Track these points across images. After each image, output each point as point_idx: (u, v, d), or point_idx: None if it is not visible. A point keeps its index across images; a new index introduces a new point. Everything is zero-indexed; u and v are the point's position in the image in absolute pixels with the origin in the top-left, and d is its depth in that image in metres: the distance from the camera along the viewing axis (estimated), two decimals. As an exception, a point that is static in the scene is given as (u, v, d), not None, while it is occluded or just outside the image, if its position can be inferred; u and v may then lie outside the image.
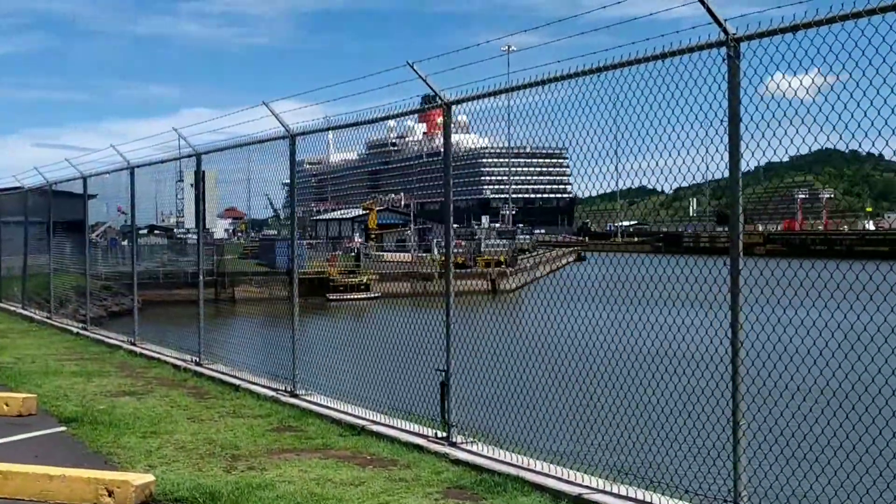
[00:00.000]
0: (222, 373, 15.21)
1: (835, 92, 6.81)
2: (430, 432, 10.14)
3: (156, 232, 74.41)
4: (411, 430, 10.41)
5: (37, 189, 26.93)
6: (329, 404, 12.23)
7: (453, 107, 10.31)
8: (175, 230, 75.08)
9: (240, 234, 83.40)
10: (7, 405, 11.77)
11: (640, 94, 8.19)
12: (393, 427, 10.68)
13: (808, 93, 6.98)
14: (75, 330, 22.26)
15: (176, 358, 17.09)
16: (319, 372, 13.71)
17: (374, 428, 10.73)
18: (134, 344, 19.17)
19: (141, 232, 69.58)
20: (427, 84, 10.18)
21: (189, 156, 17.29)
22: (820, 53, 6.82)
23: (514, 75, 9.53)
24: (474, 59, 9.80)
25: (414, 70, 10.10)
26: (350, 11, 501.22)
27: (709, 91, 7.54)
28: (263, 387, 13.77)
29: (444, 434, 9.91)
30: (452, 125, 10.48)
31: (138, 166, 19.68)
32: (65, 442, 10.67)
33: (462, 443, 9.72)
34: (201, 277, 16.63)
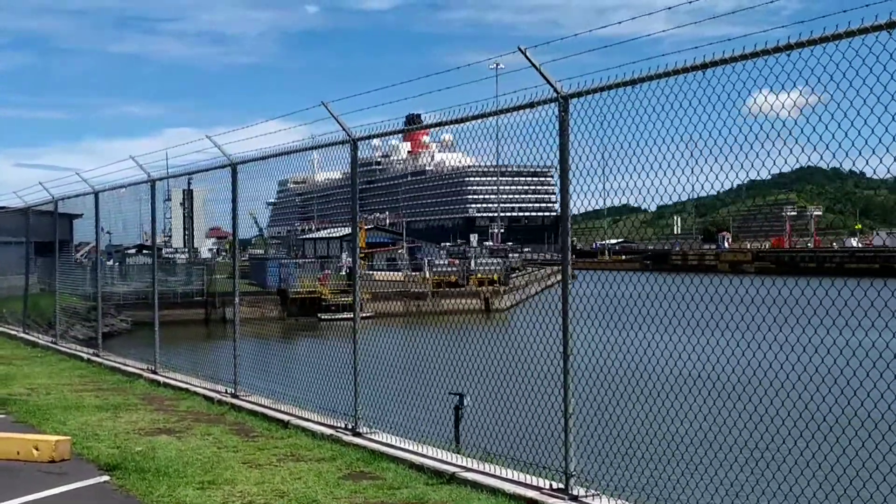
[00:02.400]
0: (265, 406, 13.77)
1: (816, 113, 6.94)
2: (544, 483, 8.73)
3: (144, 252, 72.85)
4: (518, 479, 8.98)
5: (17, 210, 26.06)
6: (402, 445, 10.82)
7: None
8: (164, 250, 73.69)
9: (224, 253, 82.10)
10: (37, 449, 10.29)
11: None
12: (493, 475, 9.25)
13: (790, 113, 7.09)
14: (85, 356, 20.75)
15: (207, 388, 15.62)
16: (380, 403, 12.30)
17: (468, 476, 9.31)
18: (155, 372, 17.68)
19: (129, 251, 68.03)
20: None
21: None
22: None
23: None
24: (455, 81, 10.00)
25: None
26: (332, 31, 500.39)
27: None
28: (317, 423, 12.34)
29: (562, 485, 8.50)
30: (436, 145, 10.25)
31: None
32: (113, 497, 9.19)
33: (585, 496, 8.32)
34: (237, 300, 15.16)
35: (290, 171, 14.56)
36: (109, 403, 14.71)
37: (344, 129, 12.06)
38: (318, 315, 59.58)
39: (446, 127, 10.75)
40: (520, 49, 8.69)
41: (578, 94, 8.56)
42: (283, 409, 13.44)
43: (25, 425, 12.89)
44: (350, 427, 11.75)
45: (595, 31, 8.74)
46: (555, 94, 8.67)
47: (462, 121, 10.23)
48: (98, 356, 20.49)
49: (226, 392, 14.96)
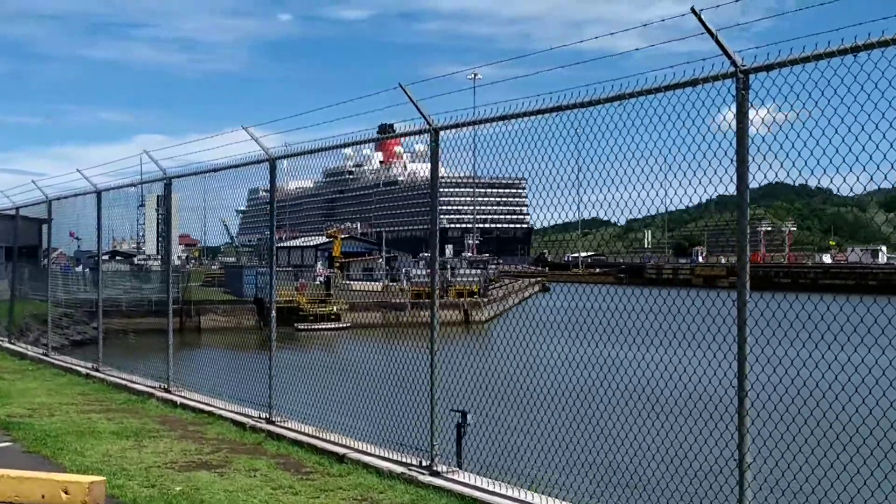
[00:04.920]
0: (310, 435, 12.07)
1: (783, 131, 7.01)
2: None
3: (117, 258, 70.80)
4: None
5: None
6: (498, 489, 9.20)
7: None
8: (136, 258, 71.80)
9: (193, 260, 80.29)
10: (66, 493, 8.54)
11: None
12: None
13: (757, 130, 7.10)
14: (84, 371, 18.90)
15: (233, 411, 13.89)
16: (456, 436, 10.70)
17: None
18: (168, 390, 15.91)
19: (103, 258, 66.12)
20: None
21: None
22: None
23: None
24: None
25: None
26: (305, 40, 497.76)
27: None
28: (380, 458, 10.68)
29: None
30: (407, 154, 9.71)
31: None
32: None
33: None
34: (273, 313, 13.45)
35: (259, 180, 14.63)
36: (126, 429, 12.96)
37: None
38: (295, 325, 57.95)
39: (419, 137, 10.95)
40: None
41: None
42: (331, 438, 11.77)
43: (38, 456, 11.13)
44: (425, 465, 10.11)
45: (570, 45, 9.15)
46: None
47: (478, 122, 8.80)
48: (98, 371, 18.65)
49: (259, 417, 13.25)
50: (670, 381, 8.31)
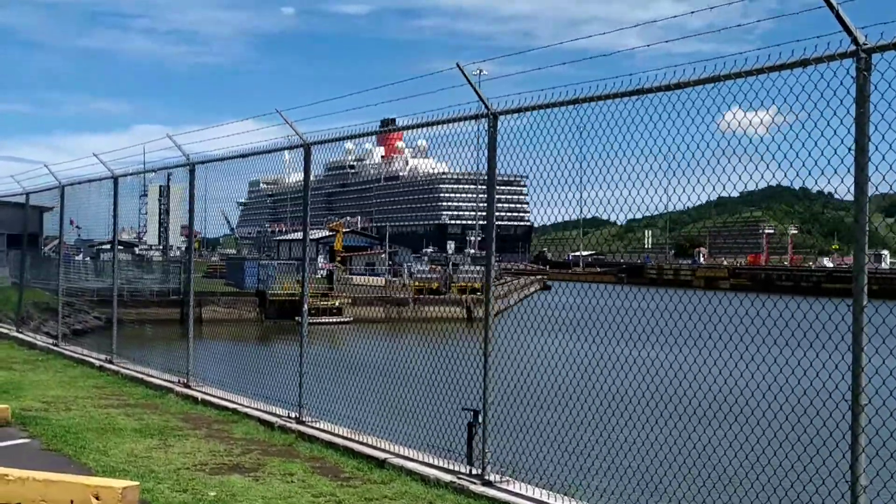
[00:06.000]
0: (344, 437, 11.39)
1: (782, 132, 7.06)
2: None
3: (119, 247, 70.12)
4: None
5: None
6: (555, 502, 8.53)
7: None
8: (137, 248, 71.12)
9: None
10: (98, 498, 7.86)
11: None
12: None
13: (756, 132, 7.15)
14: (97, 363, 18.21)
15: (259, 409, 13.22)
16: (510, 441, 10.02)
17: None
18: (188, 385, 15.24)
19: (103, 247, 65.65)
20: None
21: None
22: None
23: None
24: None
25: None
26: (304, 34, 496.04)
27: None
28: (424, 464, 10.02)
29: None
30: (408, 150, 9.74)
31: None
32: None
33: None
34: (305, 307, 12.76)
35: (261, 171, 14.87)
36: (149, 426, 12.30)
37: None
38: (296, 319, 57.20)
39: (419, 131, 10.97)
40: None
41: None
42: (368, 441, 11.09)
43: (59, 455, 10.47)
44: (476, 473, 9.44)
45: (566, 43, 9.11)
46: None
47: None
48: (112, 363, 17.96)
49: (288, 416, 12.58)
50: (756, 390, 7.67)
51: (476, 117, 9.58)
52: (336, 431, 11.69)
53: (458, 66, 9.28)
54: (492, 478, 9.31)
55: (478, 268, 79.97)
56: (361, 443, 11.06)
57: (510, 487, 9.13)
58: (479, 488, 9.11)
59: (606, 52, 8.43)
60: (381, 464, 10.28)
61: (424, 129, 10.64)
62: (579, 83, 8.34)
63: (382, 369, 12.48)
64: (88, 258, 61.96)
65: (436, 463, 10.00)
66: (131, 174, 18.03)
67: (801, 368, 7.23)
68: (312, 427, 12.07)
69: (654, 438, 9.02)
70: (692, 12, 7.44)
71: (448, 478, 9.47)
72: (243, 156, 14.11)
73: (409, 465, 10.05)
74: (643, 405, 9.16)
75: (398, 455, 10.43)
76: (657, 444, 8.96)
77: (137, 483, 8.21)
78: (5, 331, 23.96)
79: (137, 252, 72.71)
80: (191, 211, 15.23)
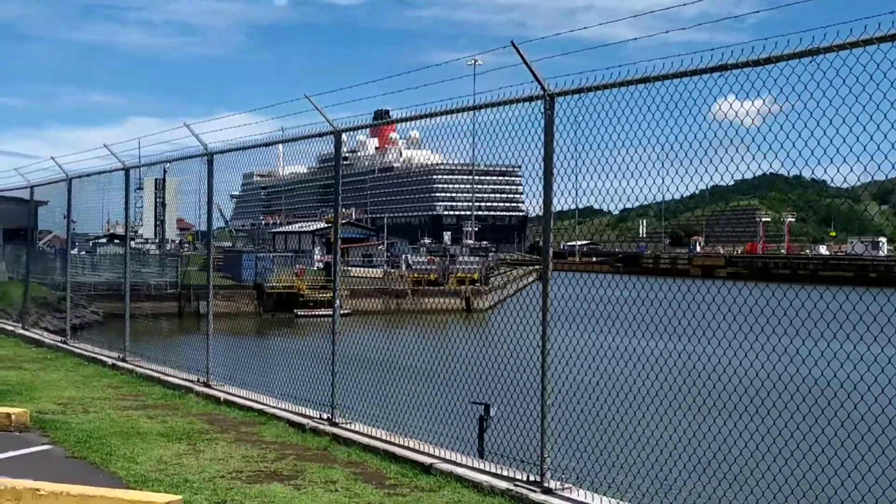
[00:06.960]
0: (384, 441, 10.79)
1: (778, 122, 7.11)
2: None
3: (115, 241, 69.58)
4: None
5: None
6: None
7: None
8: (133, 242, 70.28)
9: (186, 244, 79.34)
10: (137, 514, 7.26)
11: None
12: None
13: (753, 121, 7.20)
14: (109, 361, 17.59)
15: (288, 410, 12.62)
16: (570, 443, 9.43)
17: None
18: (208, 385, 14.64)
19: (100, 241, 65.08)
20: None
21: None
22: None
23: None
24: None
25: None
26: (300, 25, 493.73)
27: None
28: (476, 470, 9.43)
29: None
30: (403, 141, 9.92)
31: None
32: None
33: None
34: (336, 303, 12.14)
35: (265, 163, 14.67)
36: (173, 429, 11.70)
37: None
38: (294, 311, 56.81)
39: (413, 123, 11.16)
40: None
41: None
42: (410, 444, 10.50)
43: (85, 463, 9.88)
44: (534, 480, 8.86)
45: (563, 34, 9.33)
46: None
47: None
48: (125, 360, 17.34)
49: (320, 418, 11.98)
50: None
51: (530, 99, 9.00)
52: (373, 434, 11.09)
53: (512, 43, 8.73)
54: (552, 485, 8.73)
55: (475, 258, 79.57)
56: (403, 446, 10.47)
57: (573, 496, 8.56)
58: (538, 496, 8.53)
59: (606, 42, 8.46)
60: (427, 469, 9.71)
61: (465, 115, 10.09)
62: (580, 72, 8.36)
63: (413, 368, 11.87)
64: (84, 252, 61.25)
65: (488, 469, 9.42)
66: (144, 165, 17.37)
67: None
68: (347, 429, 11.49)
69: (737, 435, 8.45)
70: (684, 4, 7.48)
71: (503, 485, 8.90)
72: (266, 144, 13.53)
73: (458, 470, 9.47)
74: (723, 402, 8.56)
75: (444, 459, 9.85)
76: (751, 444, 8.39)
77: (180, 497, 7.62)
78: (9, 328, 23.31)
79: (134, 246, 71.83)
80: (209, 203, 14.60)
